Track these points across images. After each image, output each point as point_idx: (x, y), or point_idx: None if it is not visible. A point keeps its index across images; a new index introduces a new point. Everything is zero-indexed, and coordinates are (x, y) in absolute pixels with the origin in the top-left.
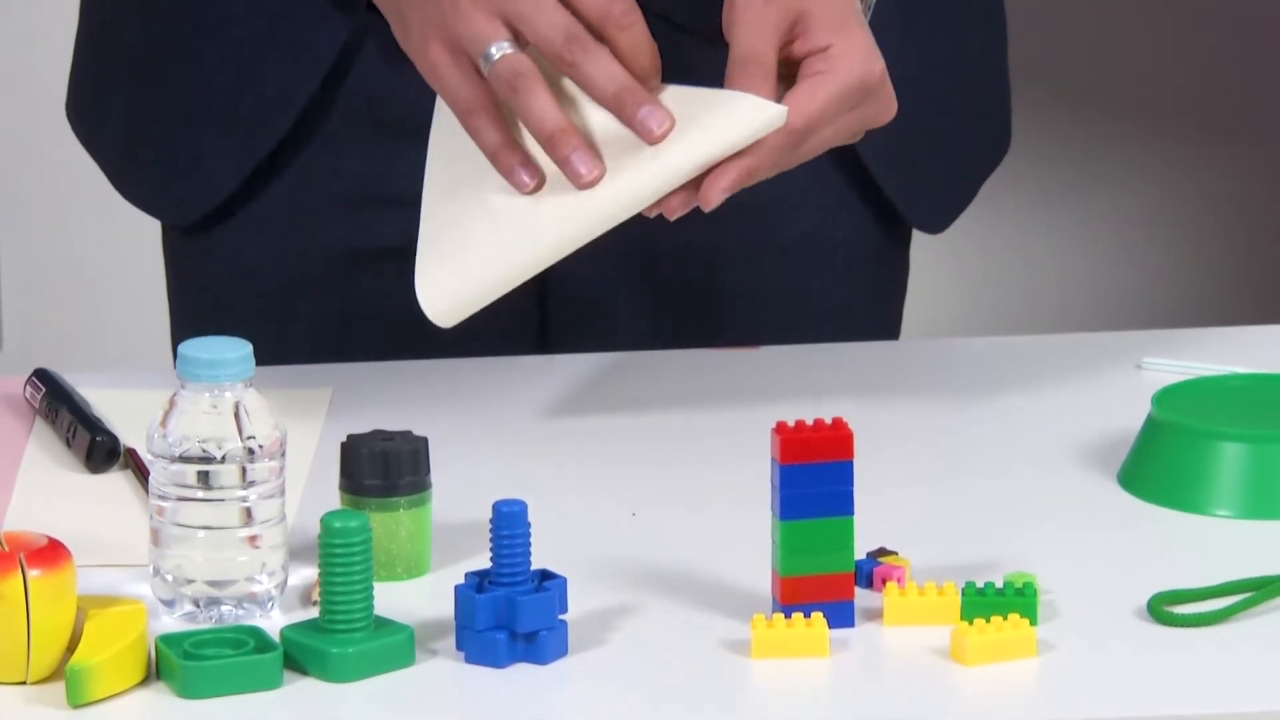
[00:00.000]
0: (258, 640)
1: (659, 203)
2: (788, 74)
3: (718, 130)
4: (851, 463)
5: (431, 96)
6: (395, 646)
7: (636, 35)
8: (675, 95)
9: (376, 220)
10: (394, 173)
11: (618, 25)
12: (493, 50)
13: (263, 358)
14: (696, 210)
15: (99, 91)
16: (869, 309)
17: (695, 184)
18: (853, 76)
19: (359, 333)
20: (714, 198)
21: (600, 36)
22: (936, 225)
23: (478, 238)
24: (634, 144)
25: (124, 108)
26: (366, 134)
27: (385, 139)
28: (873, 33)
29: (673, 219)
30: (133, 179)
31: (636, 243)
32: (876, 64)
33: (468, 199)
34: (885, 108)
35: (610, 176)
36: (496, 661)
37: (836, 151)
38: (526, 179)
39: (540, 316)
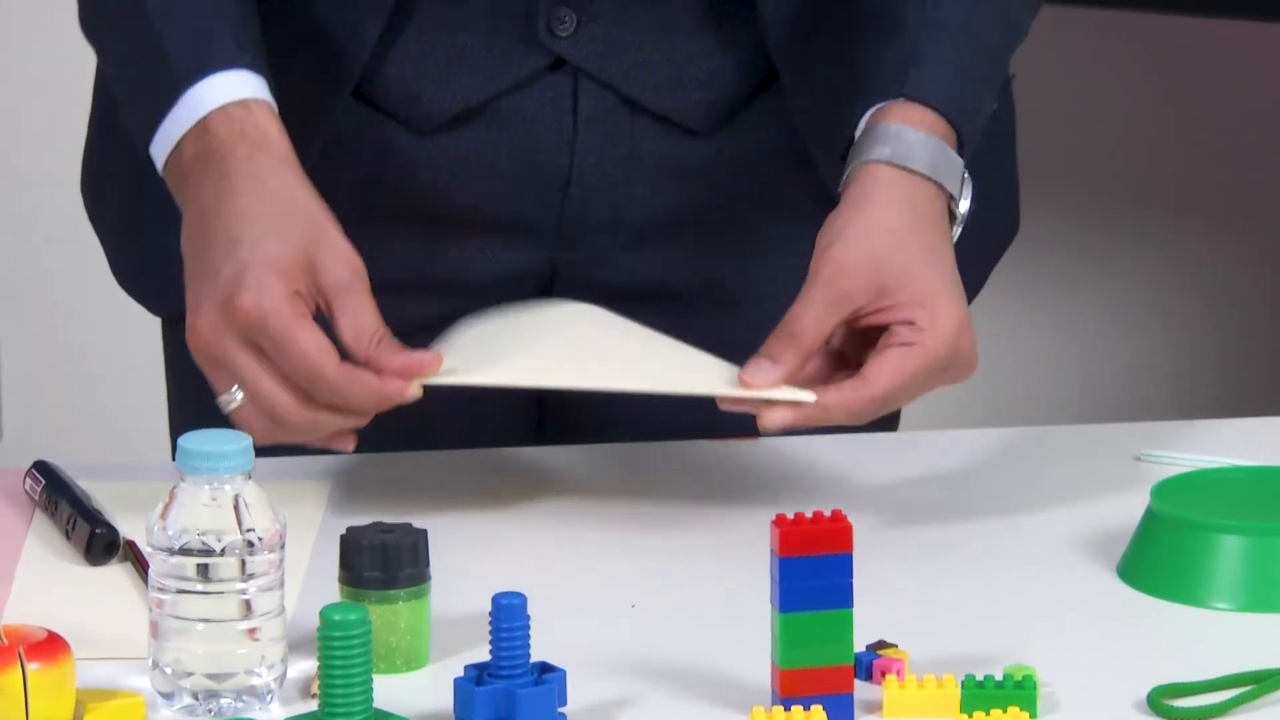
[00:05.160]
0: None
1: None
2: (865, 339)
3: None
4: (851, 555)
5: (420, 185)
6: None
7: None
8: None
9: None
10: (387, 258)
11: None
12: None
13: (264, 446)
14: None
15: (103, 174)
16: None
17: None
18: (942, 350)
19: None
20: (770, 427)
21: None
22: None
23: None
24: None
25: (122, 197)
26: (354, 225)
27: (379, 223)
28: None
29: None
30: (126, 268)
31: None
32: (966, 337)
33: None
34: (965, 369)
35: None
36: None
37: None
38: None
39: (539, 408)
